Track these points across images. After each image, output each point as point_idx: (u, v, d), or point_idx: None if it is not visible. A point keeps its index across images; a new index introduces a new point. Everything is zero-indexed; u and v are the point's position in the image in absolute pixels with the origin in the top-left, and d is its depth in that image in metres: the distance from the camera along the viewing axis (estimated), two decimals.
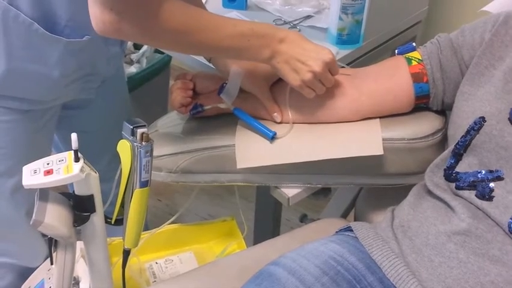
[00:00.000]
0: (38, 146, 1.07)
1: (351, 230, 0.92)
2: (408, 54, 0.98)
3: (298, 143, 0.99)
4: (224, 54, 0.97)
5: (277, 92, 1.02)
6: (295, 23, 1.40)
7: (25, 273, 1.14)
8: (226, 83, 1.03)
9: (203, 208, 1.88)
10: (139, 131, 0.80)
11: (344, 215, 1.21)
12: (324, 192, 1.08)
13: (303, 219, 1.23)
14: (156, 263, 1.19)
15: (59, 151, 1.27)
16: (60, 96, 1.05)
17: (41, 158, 1.06)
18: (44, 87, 0.99)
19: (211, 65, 1.25)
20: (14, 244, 1.14)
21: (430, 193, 0.89)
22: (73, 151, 0.77)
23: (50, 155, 1.13)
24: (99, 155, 1.21)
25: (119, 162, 0.83)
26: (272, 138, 0.98)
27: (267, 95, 1.01)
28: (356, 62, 1.36)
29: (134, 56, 1.90)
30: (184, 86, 1.04)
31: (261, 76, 1.01)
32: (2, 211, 1.08)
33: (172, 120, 1.09)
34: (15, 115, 0.99)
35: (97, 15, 0.81)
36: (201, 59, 1.29)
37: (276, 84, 1.03)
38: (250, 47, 0.91)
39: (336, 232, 0.96)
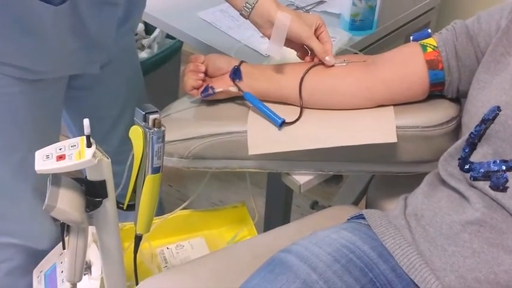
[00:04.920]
0: (43, 121, 1.06)
1: (363, 218, 0.91)
2: (423, 41, 0.96)
3: (311, 129, 0.98)
4: None
5: (290, 77, 1.01)
6: (308, 8, 1.38)
7: (34, 255, 1.15)
8: (236, 66, 1.02)
9: (214, 194, 1.88)
10: (151, 117, 0.79)
11: (356, 202, 1.20)
12: (336, 179, 1.07)
13: (314, 206, 1.23)
14: (167, 248, 1.20)
15: (72, 134, 1.27)
16: (63, 67, 1.04)
17: (47, 134, 1.07)
18: (44, 57, 0.98)
19: (222, 50, 1.25)
20: (17, 223, 1.13)
21: (444, 183, 0.88)
22: (85, 136, 0.77)
23: (58, 133, 1.13)
24: (110, 136, 1.21)
25: (130, 145, 0.83)
26: (281, 125, 0.97)
27: (314, 38, 1.01)
28: (369, 48, 1.35)
29: (145, 42, 1.89)
30: (196, 69, 1.04)
31: (306, 22, 1.01)
32: (8, 186, 1.07)
33: (184, 106, 1.08)
34: (17, 87, 0.99)
35: None
36: (212, 43, 1.28)
37: (289, 69, 1.02)
38: None
39: (348, 220, 0.96)
